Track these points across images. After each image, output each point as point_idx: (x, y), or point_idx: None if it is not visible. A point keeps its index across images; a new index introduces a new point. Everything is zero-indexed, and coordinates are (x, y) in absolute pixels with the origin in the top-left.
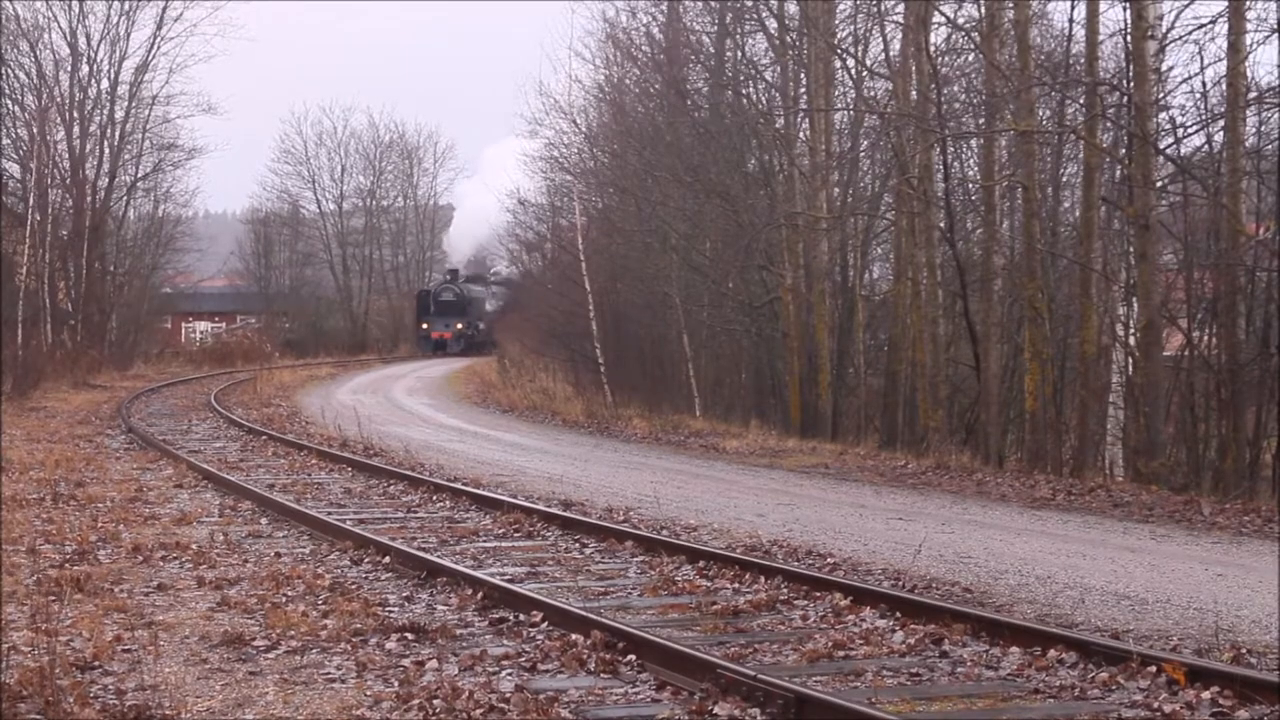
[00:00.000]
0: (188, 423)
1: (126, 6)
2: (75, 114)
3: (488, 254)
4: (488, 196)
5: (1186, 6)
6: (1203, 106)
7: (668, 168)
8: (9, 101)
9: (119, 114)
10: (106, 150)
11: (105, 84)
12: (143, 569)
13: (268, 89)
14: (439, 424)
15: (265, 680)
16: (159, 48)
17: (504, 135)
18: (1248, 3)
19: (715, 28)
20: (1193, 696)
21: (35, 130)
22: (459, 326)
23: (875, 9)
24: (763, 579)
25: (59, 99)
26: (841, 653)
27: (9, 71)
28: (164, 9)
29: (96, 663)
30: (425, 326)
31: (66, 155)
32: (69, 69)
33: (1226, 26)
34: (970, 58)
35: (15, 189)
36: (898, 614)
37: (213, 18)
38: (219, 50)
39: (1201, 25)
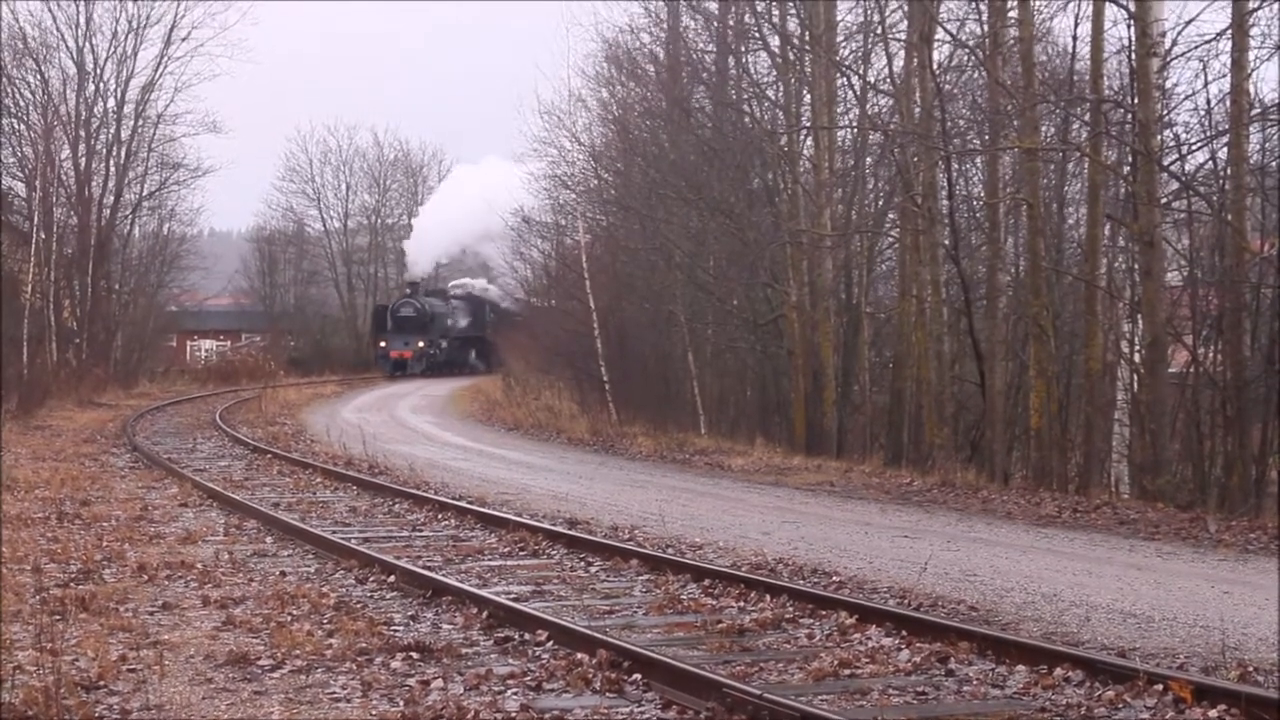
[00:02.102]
0: (193, 441)
1: (134, 25)
2: (81, 132)
3: (451, 266)
4: (453, 203)
5: (1189, 23)
6: (1206, 123)
7: (672, 186)
8: (15, 119)
9: (125, 132)
10: (112, 168)
11: (111, 102)
12: (148, 588)
13: (273, 107)
14: (444, 442)
15: (270, 700)
16: (165, 67)
17: (502, 150)
18: (1251, 19)
19: (717, 46)
20: (1200, 715)
21: (41, 148)
22: (420, 345)
23: (878, 26)
24: (768, 597)
25: (65, 117)
26: (847, 671)
27: (15, 90)
28: (171, 29)
29: (101, 682)
30: (383, 345)
31: (72, 173)
32: (75, 87)
33: (1230, 43)
34: (974, 75)
35: (21, 207)
36: (903, 632)
37: (220, 38)
38: (224, 70)
39: (1205, 42)
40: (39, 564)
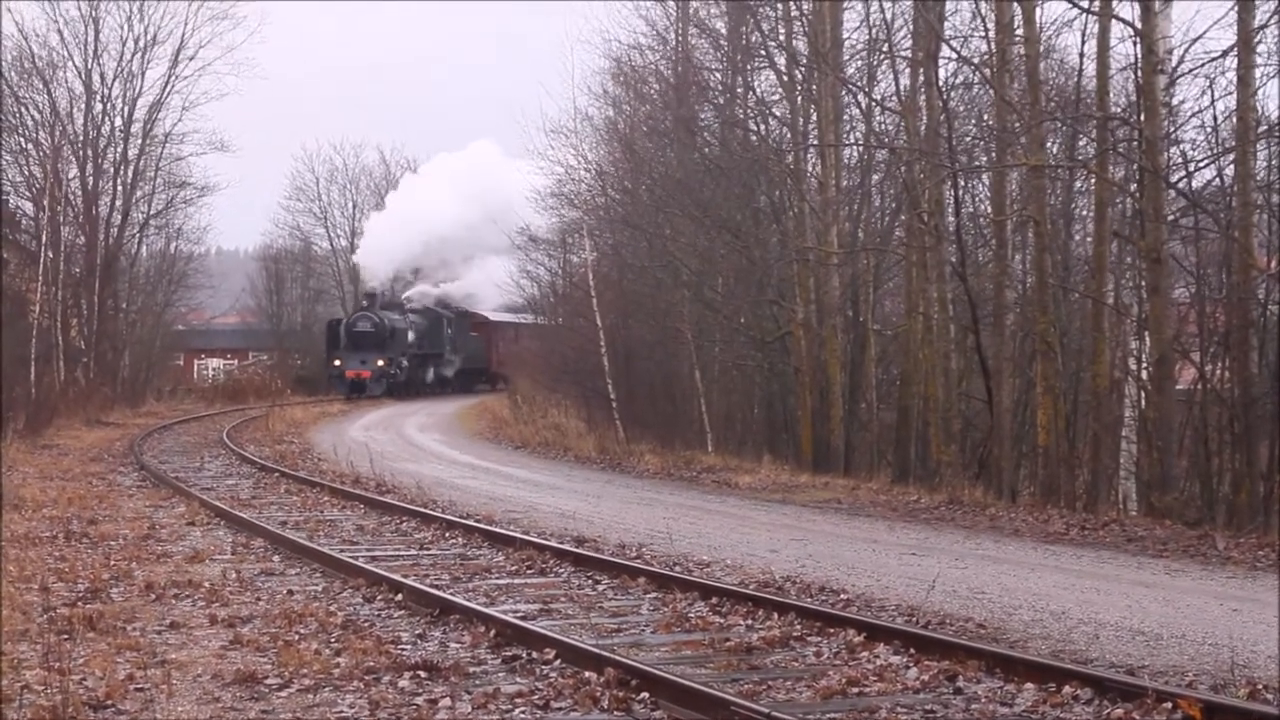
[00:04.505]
0: (200, 460)
1: (141, 44)
2: (88, 151)
3: (410, 276)
4: (417, 205)
5: (1196, 40)
6: (1213, 140)
7: (678, 204)
8: (23, 138)
9: (132, 151)
10: (119, 187)
11: (119, 121)
12: (155, 607)
13: (279, 126)
14: (451, 460)
15: (278, 719)
16: (173, 86)
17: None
18: (1257, 37)
19: (724, 64)
20: None
21: (48, 168)
22: (380, 364)
23: (884, 44)
24: (776, 615)
25: (72, 136)
26: (855, 689)
27: (24, 109)
28: (178, 48)
29: (109, 702)
30: (338, 364)
31: (79, 193)
32: (83, 106)
33: (1236, 60)
34: (980, 92)
35: (29, 226)
36: (911, 650)
37: (227, 58)
38: (231, 89)
39: (1211, 59)
40: (46, 583)
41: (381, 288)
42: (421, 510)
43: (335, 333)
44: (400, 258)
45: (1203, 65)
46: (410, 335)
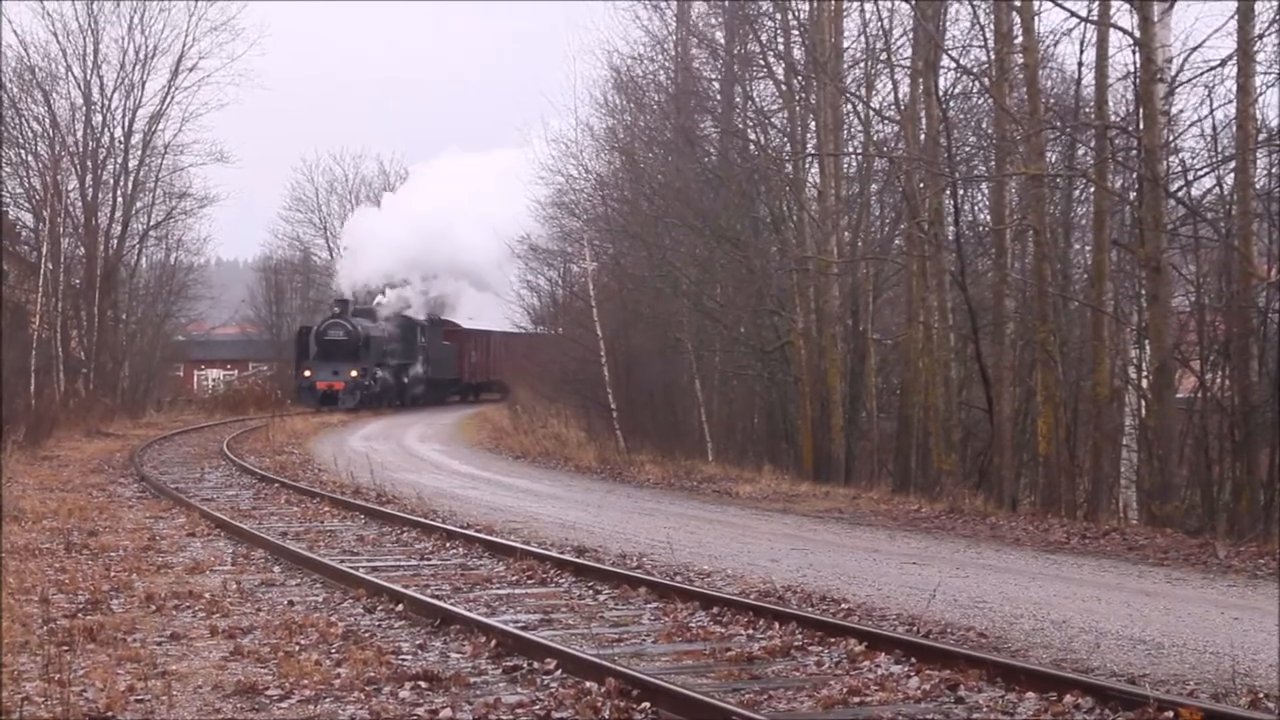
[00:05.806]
0: (200, 471)
1: (142, 56)
2: (88, 163)
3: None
4: (405, 210)
5: (1195, 49)
6: (1213, 149)
7: (678, 214)
8: (23, 150)
9: (132, 162)
10: (119, 198)
11: (119, 132)
12: (156, 618)
13: (279, 137)
14: (451, 470)
15: None
16: (173, 97)
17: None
18: (1256, 45)
19: (723, 74)
20: None
21: (48, 179)
22: (353, 374)
23: (883, 53)
24: (777, 625)
25: (72, 148)
26: (856, 699)
27: (24, 121)
28: (178, 60)
29: (110, 713)
30: (308, 374)
31: (79, 204)
32: (83, 118)
33: (1235, 69)
34: (979, 101)
35: (28, 238)
36: (913, 660)
37: (227, 68)
38: (232, 99)
39: (1211, 68)
40: (47, 594)
41: (355, 293)
42: (422, 520)
43: (305, 341)
44: (391, 260)
45: (1202, 74)
46: (386, 345)
